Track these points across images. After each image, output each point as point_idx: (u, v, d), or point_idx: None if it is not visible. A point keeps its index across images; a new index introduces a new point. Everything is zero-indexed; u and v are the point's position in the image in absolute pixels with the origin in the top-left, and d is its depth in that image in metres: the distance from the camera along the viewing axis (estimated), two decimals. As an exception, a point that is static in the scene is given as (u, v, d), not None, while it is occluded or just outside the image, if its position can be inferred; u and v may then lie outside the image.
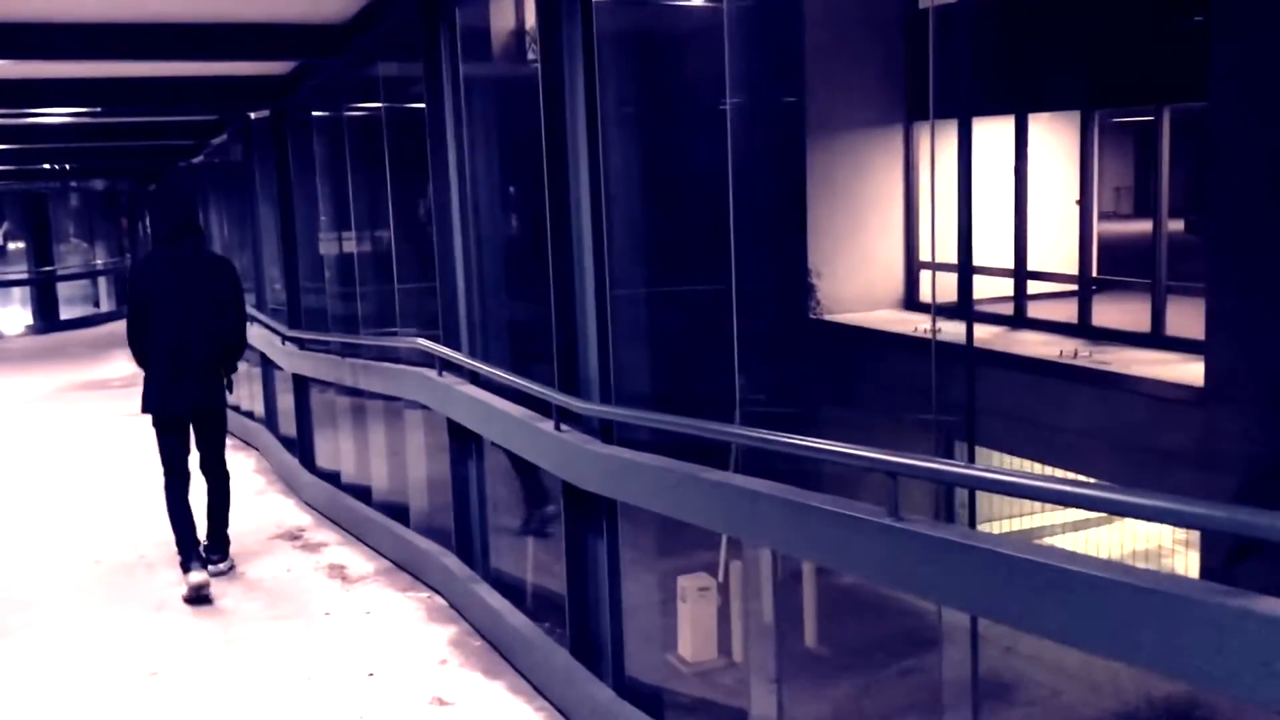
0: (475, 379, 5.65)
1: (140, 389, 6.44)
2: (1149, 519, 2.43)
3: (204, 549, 6.54)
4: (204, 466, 6.61)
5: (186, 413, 6.38)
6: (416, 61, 6.09)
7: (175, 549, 6.39)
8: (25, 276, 23.49)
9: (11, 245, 23.78)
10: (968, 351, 3.62)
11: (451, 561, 6.03)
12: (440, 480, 6.49)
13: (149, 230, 6.37)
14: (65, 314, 23.47)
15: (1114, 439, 9.04)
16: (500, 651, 5.32)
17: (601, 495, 4.38)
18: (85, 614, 6.20)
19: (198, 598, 6.16)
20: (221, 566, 6.62)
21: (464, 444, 5.94)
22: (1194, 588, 2.19)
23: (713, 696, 6.16)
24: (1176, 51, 9.39)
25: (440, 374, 5.90)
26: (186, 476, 6.43)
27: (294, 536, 7.54)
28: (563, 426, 4.58)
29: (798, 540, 3.17)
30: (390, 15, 6.29)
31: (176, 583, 6.44)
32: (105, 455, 10.29)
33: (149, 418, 6.44)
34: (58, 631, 5.93)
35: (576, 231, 4.46)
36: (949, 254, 12.72)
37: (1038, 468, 11.25)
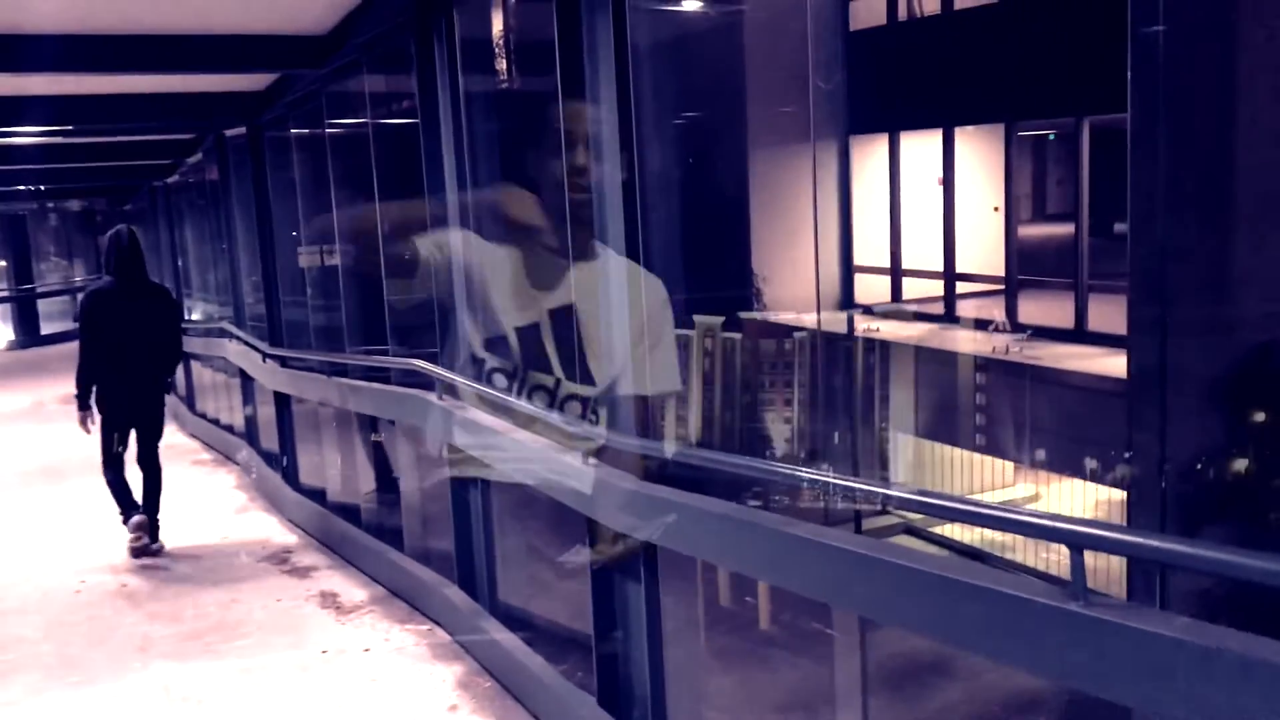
0: (481, 402, 4.71)
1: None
2: None
3: None
4: (141, 460, 6.86)
5: (133, 420, 6.83)
6: (405, 73, 5.15)
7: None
8: (6, 294, 21.95)
9: (-6, 264, 22.37)
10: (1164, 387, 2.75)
11: (454, 593, 5.07)
12: (436, 499, 5.56)
13: (102, 263, 6.51)
14: (46, 329, 21.82)
15: (1053, 429, 8.43)
16: (514, 694, 4.40)
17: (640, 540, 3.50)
18: (65, 658, 5.19)
19: (142, 548, 6.66)
20: (154, 548, 6.81)
21: (465, 469, 4.99)
22: None
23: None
24: (1097, 67, 8.86)
25: (441, 397, 4.95)
26: (123, 463, 6.86)
27: (280, 559, 6.53)
28: (591, 460, 3.68)
29: (931, 620, 2.32)
30: (375, 24, 5.35)
31: (159, 615, 5.62)
32: (86, 471, 9.13)
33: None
34: (35, 682, 4.91)
35: (602, 239, 3.56)
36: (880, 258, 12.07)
37: (979, 458, 10.65)
